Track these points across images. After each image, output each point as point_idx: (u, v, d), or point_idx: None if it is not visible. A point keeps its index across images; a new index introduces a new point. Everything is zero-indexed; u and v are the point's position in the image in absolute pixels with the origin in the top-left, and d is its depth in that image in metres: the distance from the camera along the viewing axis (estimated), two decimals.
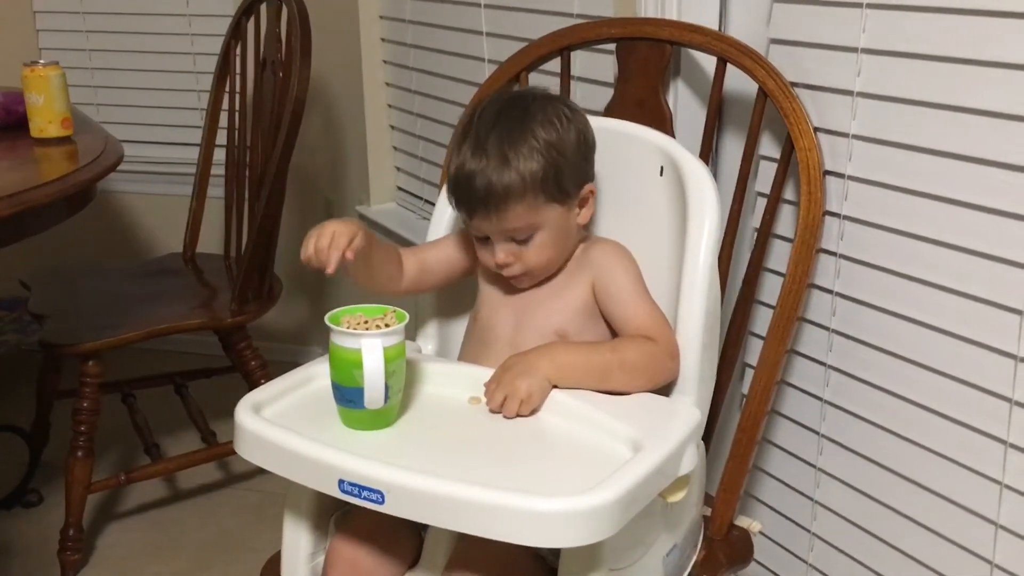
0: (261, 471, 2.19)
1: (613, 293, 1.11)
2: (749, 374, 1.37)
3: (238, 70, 2.09)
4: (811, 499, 1.32)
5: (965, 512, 1.12)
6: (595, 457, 0.97)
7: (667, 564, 1.10)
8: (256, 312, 1.92)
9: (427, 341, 1.30)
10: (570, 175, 1.09)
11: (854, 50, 1.14)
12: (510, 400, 1.02)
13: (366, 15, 2.14)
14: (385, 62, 2.17)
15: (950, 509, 1.13)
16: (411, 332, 1.13)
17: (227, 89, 2.13)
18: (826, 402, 1.27)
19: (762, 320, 1.32)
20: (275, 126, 1.85)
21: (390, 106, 2.20)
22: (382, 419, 1.02)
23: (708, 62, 1.31)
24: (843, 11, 1.14)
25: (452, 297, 1.29)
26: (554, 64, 1.39)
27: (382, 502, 0.91)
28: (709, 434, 1.22)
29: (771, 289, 1.30)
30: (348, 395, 1.00)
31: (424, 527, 1.08)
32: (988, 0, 1.00)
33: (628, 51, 1.31)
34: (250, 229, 1.97)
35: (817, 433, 1.30)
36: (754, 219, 1.32)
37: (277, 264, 1.99)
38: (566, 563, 0.95)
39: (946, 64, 1.05)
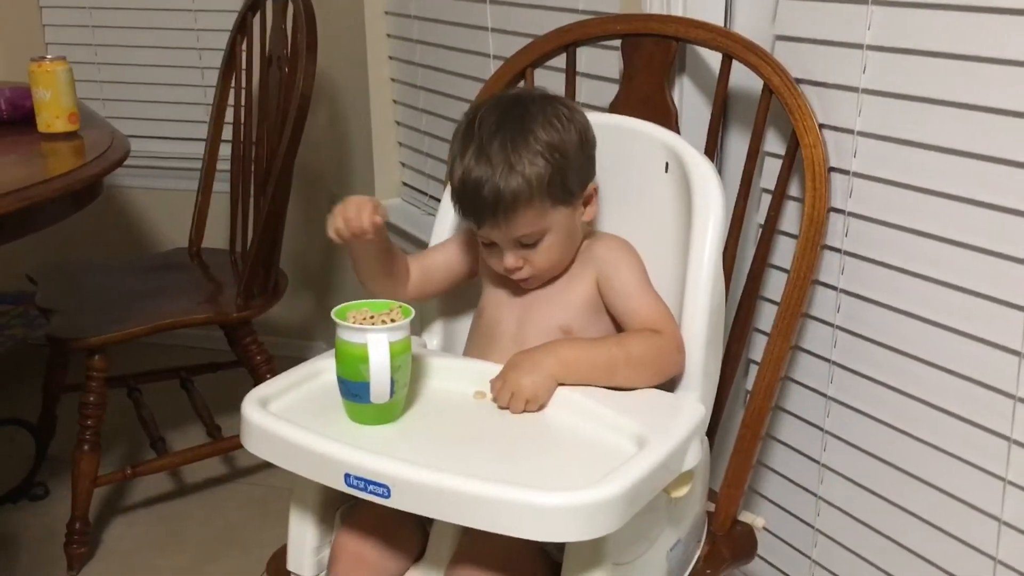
0: (266, 465, 2.20)
1: (617, 287, 1.12)
2: (753, 370, 1.37)
3: (244, 66, 2.10)
4: (815, 495, 1.33)
5: (969, 508, 1.12)
6: (600, 452, 0.98)
7: (671, 559, 1.10)
8: (262, 307, 1.92)
9: (432, 337, 1.30)
10: (574, 176, 1.09)
11: (859, 47, 1.14)
12: (516, 399, 1.03)
13: (371, 11, 2.14)
14: (390, 58, 2.17)
15: (954, 505, 1.14)
16: (416, 328, 1.14)
17: (233, 84, 2.13)
18: (830, 398, 1.28)
19: (766, 316, 1.32)
20: (281, 121, 1.85)
21: (395, 102, 2.20)
22: (388, 414, 1.03)
23: (713, 58, 1.31)
24: (848, 7, 1.14)
25: (457, 293, 1.29)
26: (559, 60, 1.39)
27: (388, 496, 0.92)
28: (713, 430, 1.23)
29: (775, 285, 1.30)
30: (354, 390, 1.01)
31: (429, 521, 1.08)
32: None
33: (633, 47, 1.31)
34: (256, 224, 1.97)
35: (821, 429, 1.30)
36: (759, 215, 1.33)
37: (282, 259, 1.99)
38: (571, 557, 0.96)
39: (951, 61, 1.05)
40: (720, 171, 1.29)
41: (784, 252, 1.28)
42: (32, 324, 2.49)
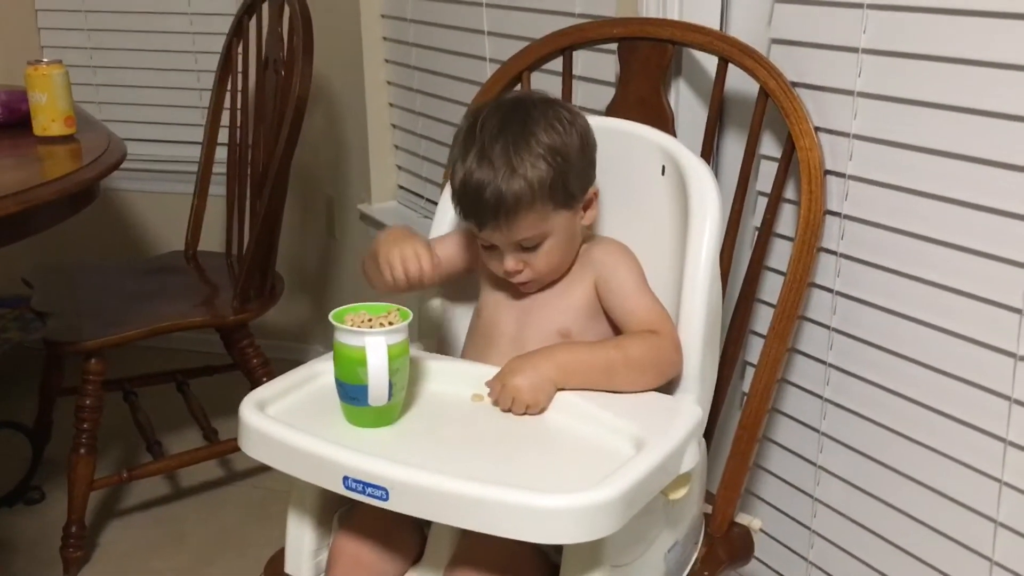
0: (263, 469, 2.20)
1: (615, 289, 1.12)
2: (749, 372, 1.38)
3: (240, 69, 2.10)
4: (811, 497, 1.33)
5: (965, 509, 1.12)
6: (598, 454, 0.98)
7: (668, 561, 1.10)
8: (258, 310, 1.92)
9: (429, 340, 1.30)
10: (575, 179, 1.09)
11: (855, 50, 1.14)
12: (516, 405, 1.03)
13: (368, 14, 2.15)
14: (387, 61, 2.18)
15: (950, 506, 1.14)
16: (413, 331, 1.14)
17: (229, 87, 2.13)
18: (826, 400, 1.28)
19: (762, 319, 1.32)
20: (277, 124, 1.85)
21: (391, 105, 2.20)
22: (386, 416, 1.03)
23: (709, 62, 1.31)
24: (844, 11, 1.15)
25: (454, 296, 1.30)
26: (556, 64, 1.39)
27: (386, 499, 0.92)
28: (710, 432, 1.23)
29: (772, 288, 1.30)
30: (352, 392, 1.01)
31: (427, 524, 1.08)
32: (988, 1, 1.00)
33: (630, 51, 1.31)
34: (252, 227, 1.98)
35: (817, 431, 1.30)
36: (755, 218, 1.33)
37: (278, 262, 1.99)
38: (569, 559, 0.96)
39: (946, 64, 1.06)
40: (716, 174, 1.29)
41: (780, 255, 1.29)
42: (28, 328, 2.48)
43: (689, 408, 1.07)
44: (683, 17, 1.32)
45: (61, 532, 1.81)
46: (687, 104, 1.38)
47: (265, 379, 1.92)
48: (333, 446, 0.97)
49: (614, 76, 1.44)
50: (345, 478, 0.94)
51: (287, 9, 1.88)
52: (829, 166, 1.20)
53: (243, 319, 1.90)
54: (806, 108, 1.18)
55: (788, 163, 1.22)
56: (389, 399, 1.00)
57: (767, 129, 1.27)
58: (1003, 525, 1.09)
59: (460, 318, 1.30)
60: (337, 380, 1.02)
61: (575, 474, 0.94)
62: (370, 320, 1.02)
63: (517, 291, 1.16)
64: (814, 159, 1.17)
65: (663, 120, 1.28)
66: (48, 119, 1.66)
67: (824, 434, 1.30)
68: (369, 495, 0.93)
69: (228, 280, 2.06)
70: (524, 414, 1.03)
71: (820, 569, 1.34)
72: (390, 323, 1.01)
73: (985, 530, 1.10)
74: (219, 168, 2.19)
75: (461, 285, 1.28)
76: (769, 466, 1.39)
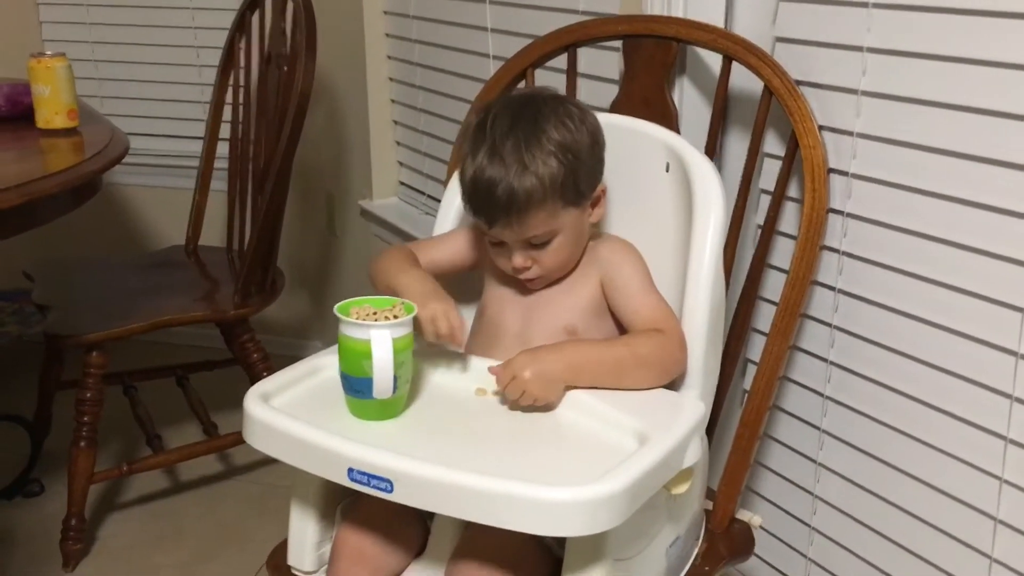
0: (262, 463, 2.21)
1: (620, 287, 1.13)
2: (750, 370, 1.38)
3: (242, 64, 2.10)
4: (811, 494, 1.34)
5: (965, 507, 1.13)
6: (601, 448, 0.98)
7: (670, 555, 1.11)
8: (259, 305, 1.92)
9: None
10: (585, 177, 1.10)
11: (859, 49, 1.15)
12: (524, 400, 1.03)
13: (370, 10, 2.15)
14: (389, 57, 2.18)
15: (950, 504, 1.15)
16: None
17: (231, 83, 2.13)
18: (827, 398, 1.29)
19: (764, 316, 1.33)
20: (279, 120, 1.85)
21: (394, 101, 2.20)
22: (390, 409, 1.03)
23: (714, 60, 1.32)
24: (849, 10, 1.16)
25: (457, 291, 1.30)
26: (559, 61, 1.40)
27: (391, 491, 0.93)
28: (711, 429, 1.23)
29: (774, 285, 1.31)
30: (357, 385, 1.01)
31: (430, 516, 1.09)
32: (992, 1, 1.01)
33: (634, 48, 1.32)
34: (253, 222, 1.98)
35: (818, 428, 1.31)
36: (758, 216, 1.34)
37: (279, 258, 1.99)
38: (572, 552, 0.96)
39: (951, 64, 1.06)
40: (719, 172, 1.30)
41: (782, 252, 1.29)
42: (27, 321, 2.48)
43: (692, 404, 1.08)
44: (687, 15, 1.33)
45: (60, 525, 1.81)
46: (691, 102, 1.38)
47: (265, 374, 1.93)
48: (338, 438, 0.97)
49: (617, 73, 1.45)
50: (350, 470, 0.95)
51: (290, 5, 1.88)
52: (832, 164, 1.21)
53: (244, 314, 1.90)
54: (810, 106, 1.18)
55: (792, 161, 1.22)
56: (393, 392, 1.00)
57: (771, 127, 1.27)
58: (1003, 523, 1.09)
59: (463, 314, 1.30)
60: (342, 373, 1.03)
61: (579, 468, 0.94)
62: (375, 313, 1.03)
63: (522, 288, 1.16)
64: (818, 157, 1.18)
65: (667, 118, 1.29)
66: (51, 112, 1.66)
67: (824, 431, 1.30)
68: (374, 487, 0.93)
69: (229, 275, 2.06)
70: (530, 408, 1.03)
71: (819, 566, 1.35)
72: (395, 316, 1.02)
73: (985, 527, 1.11)
74: (220, 163, 2.19)
75: (463, 281, 1.28)
76: (769, 463, 1.40)
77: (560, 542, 1.01)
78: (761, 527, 1.28)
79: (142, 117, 2.55)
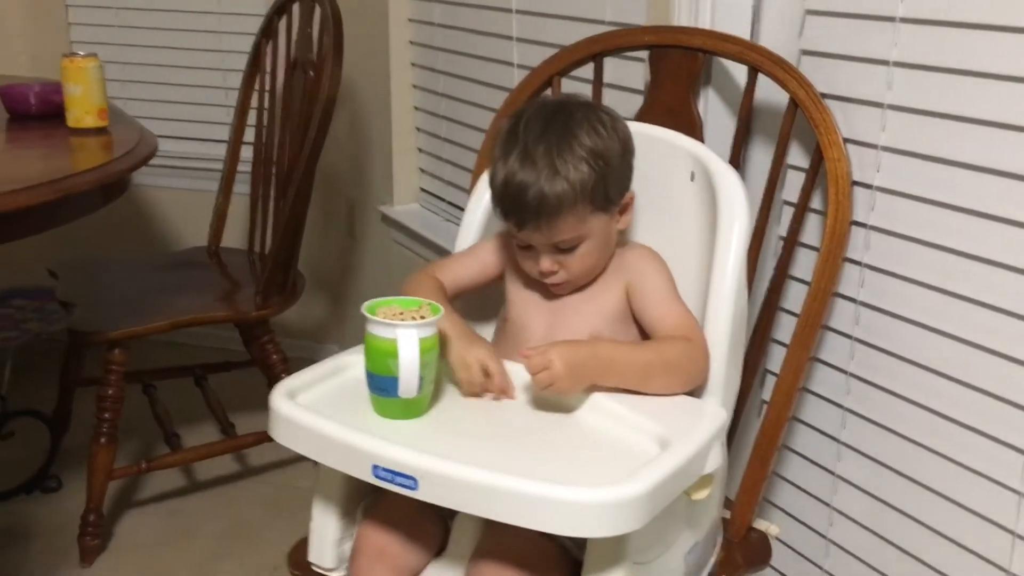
0: (277, 464, 2.23)
1: (647, 294, 1.13)
2: (769, 381, 1.39)
3: (268, 68, 2.12)
4: (828, 505, 1.34)
5: (983, 521, 1.13)
6: (623, 451, 0.99)
7: (688, 562, 1.11)
8: (280, 306, 1.94)
9: None
10: (615, 183, 1.11)
11: (886, 63, 1.16)
12: (542, 377, 1.01)
13: (395, 17, 2.17)
14: (413, 64, 2.20)
15: (968, 518, 1.15)
16: None
17: (256, 87, 2.16)
18: (847, 409, 1.29)
19: (784, 327, 1.33)
20: (304, 125, 1.87)
21: (416, 108, 2.22)
22: (414, 408, 1.04)
23: (739, 71, 1.33)
24: (876, 24, 1.16)
25: (479, 296, 1.31)
26: (585, 70, 1.41)
27: (415, 488, 0.94)
28: (729, 439, 1.24)
29: (795, 297, 1.31)
30: (382, 384, 1.02)
31: (451, 516, 1.10)
32: (1020, 17, 1.02)
33: (661, 59, 1.33)
34: (276, 225, 2.00)
35: (836, 440, 1.31)
36: (780, 227, 1.34)
37: (299, 260, 2.01)
38: (592, 554, 0.97)
39: (978, 79, 1.07)
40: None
41: (804, 264, 1.30)
42: (48, 319, 2.51)
43: (713, 410, 1.08)
44: (714, 26, 1.34)
45: (77, 521, 1.83)
46: (715, 113, 1.39)
47: (284, 375, 1.93)
48: (363, 435, 0.98)
49: (641, 83, 1.46)
50: (375, 467, 0.96)
51: (318, 10, 1.90)
52: (856, 177, 1.21)
53: (265, 315, 1.92)
54: (835, 119, 1.19)
55: (816, 173, 1.23)
56: (418, 391, 1.02)
57: (795, 139, 1.28)
58: (1021, 537, 1.09)
59: (485, 319, 1.31)
60: (367, 371, 1.04)
61: (602, 470, 0.95)
62: (402, 313, 1.04)
63: (548, 293, 1.17)
64: (842, 170, 1.18)
65: (692, 128, 1.30)
66: (82, 111, 1.68)
67: (843, 443, 1.30)
68: (398, 484, 0.94)
69: (249, 277, 2.08)
70: (547, 387, 1.02)
71: None
72: (422, 317, 1.03)
73: (1003, 542, 1.11)
74: (243, 166, 2.21)
75: (485, 291, 1.29)
76: (786, 474, 1.40)
77: (579, 544, 1.02)
78: (777, 538, 1.28)
79: (166, 119, 2.57)
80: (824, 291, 1.20)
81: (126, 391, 1.84)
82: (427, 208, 2.25)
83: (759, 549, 1.25)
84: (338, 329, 2.65)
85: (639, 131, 1.24)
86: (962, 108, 1.09)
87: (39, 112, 1.78)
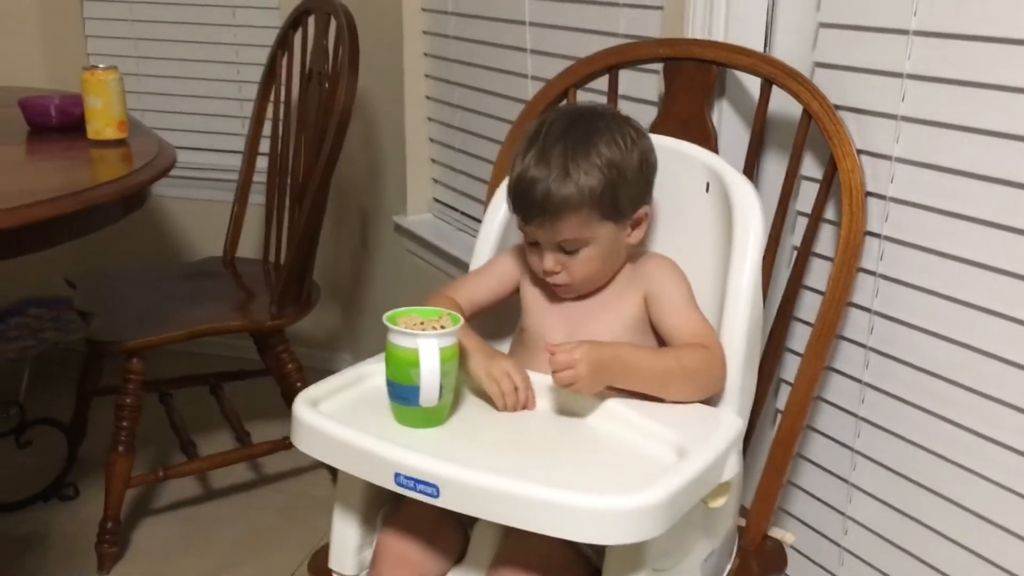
0: (292, 472, 2.24)
1: (665, 303, 1.15)
2: (783, 390, 1.40)
3: (283, 80, 2.14)
4: (843, 514, 1.35)
5: (997, 529, 1.14)
6: (642, 460, 1.00)
7: (705, 569, 1.12)
8: (295, 316, 1.96)
9: None
10: (627, 195, 1.13)
11: (899, 75, 1.17)
12: (565, 375, 1.02)
13: (409, 29, 2.19)
14: (427, 76, 2.22)
15: (982, 526, 1.15)
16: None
17: (272, 98, 2.18)
18: (861, 418, 1.30)
19: (798, 336, 1.35)
20: (319, 136, 1.89)
21: (430, 119, 2.24)
22: (435, 417, 1.06)
23: (753, 83, 1.34)
24: (889, 37, 1.18)
25: (494, 314, 1.32)
26: (600, 82, 1.43)
27: (437, 496, 0.95)
28: (744, 447, 1.24)
29: (809, 306, 1.32)
30: (403, 393, 1.04)
31: (470, 523, 1.11)
32: None
33: (675, 71, 1.34)
34: (291, 235, 2.01)
35: (851, 449, 1.32)
36: (794, 237, 1.36)
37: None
38: (612, 561, 0.98)
39: (990, 91, 1.08)
40: None
41: (818, 274, 1.31)
42: (65, 328, 2.52)
43: (730, 419, 1.10)
44: (728, 39, 1.35)
45: (95, 528, 1.84)
46: (729, 124, 1.41)
47: (299, 384, 1.96)
48: (386, 443, 0.99)
49: (655, 95, 1.48)
50: (397, 475, 0.97)
51: (334, 23, 1.92)
52: (870, 188, 1.22)
53: (280, 325, 1.94)
54: (849, 131, 1.21)
55: (830, 184, 1.24)
56: (439, 400, 1.03)
57: (809, 150, 1.29)
58: None
59: (501, 328, 1.33)
60: (388, 380, 1.05)
61: (621, 478, 0.96)
62: (422, 323, 1.05)
63: (563, 301, 1.18)
64: (856, 181, 1.20)
65: (706, 139, 1.31)
66: (103, 123, 1.71)
67: (857, 452, 1.31)
68: (420, 492, 0.96)
69: (264, 286, 2.10)
70: (566, 383, 1.03)
71: None
72: (442, 327, 1.05)
73: (1018, 550, 1.12)
74: (258, 177, 2.23)
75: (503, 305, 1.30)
76: (801, 482, 1.41)
77: (599, 551, 1.03)
78: (792, 546, 1.29)
79: (182, 130, 2.60)
80: (838, 301, 1.21)
81: (143, 400, 1.86)
82: (440, 218, 2.27)
83: (775, 557, 1.26)
84: (351, 338, 2.67)
85: (655, 143, 1.25)
86: (975, 120, 1.10)
87: (59, 124, 1.81)
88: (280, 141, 2.14)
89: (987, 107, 1.09)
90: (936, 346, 1.18)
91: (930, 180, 1.16)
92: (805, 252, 1.27)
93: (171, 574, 1.87)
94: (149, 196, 1.66)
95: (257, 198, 2.25)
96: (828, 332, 1.22)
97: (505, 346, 1.30)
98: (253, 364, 2.21)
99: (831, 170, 1.23)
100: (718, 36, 1.37)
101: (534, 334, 1.20)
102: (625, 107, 1.50)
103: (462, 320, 1.07)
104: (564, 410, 1.10)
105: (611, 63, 1.39)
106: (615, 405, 1.08)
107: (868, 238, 1.24)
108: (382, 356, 1.07)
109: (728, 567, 1.21)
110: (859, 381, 1.30)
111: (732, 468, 1.04)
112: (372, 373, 1.14)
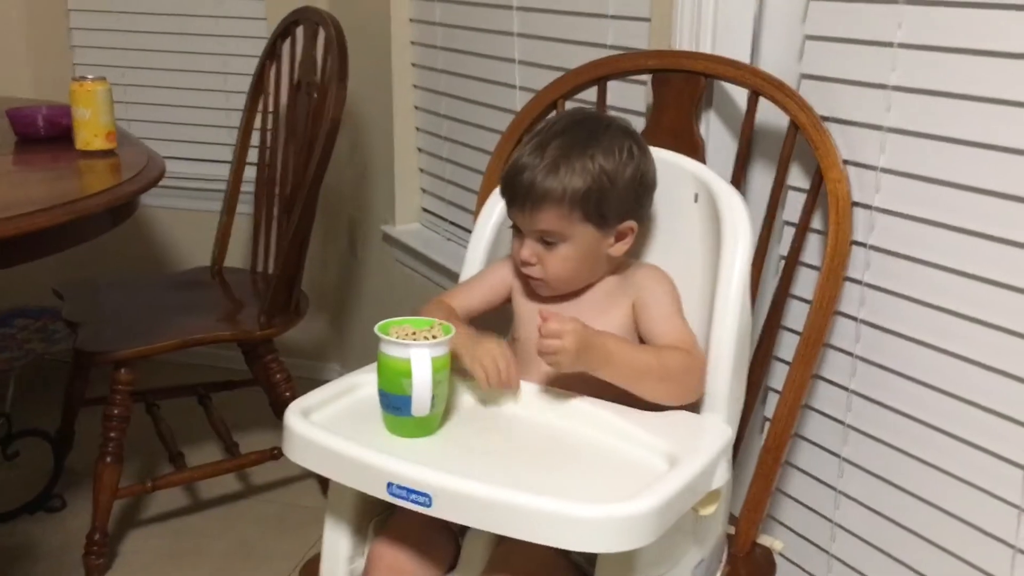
0: (281, 483, 2.24)
1: (651, 310, 1.16)
2: (771, 398, 1.41)
3: (271, 90, 2.15)
4: (830, 521, 1.36)
5: (984, 535, 1.15)
6: (633, 468, 1.01)
7: None
8: (284, 325, 1.96)
9: None
10: (613, 204, 1.13)
11: (884, 87, 1.19)
12: (549, 347, 1.03)
13: (397, 39, 2.20)
14: (415, 86, 2.22)
15: (969, 532, 1.17)
16: None
17: (260, 108, 2.18)
18: (848, 426, 1.31)
19: (786, 345, 1.36)
20: (308, 146, 1.90)
21: (418, 129, 2.25)
22: (427, 427, 1.06)
23: (740, 94, 1.36)
24: (874, 49, 1.19)
25: (490, 314, 1.33)
26: (588, 93, 1.44)
27: (430, 505, 0.95)
28: (733, 455, 1.26)
29: (796, 315, 1.34)
30: (395, 403, 1.04)
31: (461, 533, 1.11)
32: (1017, 43, 1.05)
33: (663, 82, 1.36)
34: (279, 245, 2.02)
35: (838, 456, 1.33)
36: (781, 247, 1.37)
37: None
38: (603, 569, 0.99)
39: (974, 103, 1.10)
40: None
41: (805, 283, 1.32)
42: (51, 339, 2.51)
43: (719, 427, 1.11)
44: (715, 51, 1.37)
45: (82, 540, 1.83)
46: (717, 135, 1.42)
47: (288, 395, 1.96)
48: (378, 453, 1.00)
49: (643, 106, 1.49)
50: (389, 484, 0.97)
51: (322, 33, 1.93)
52: (856, 198, 1.24)
53: (270, 334, 1.94)
54: (835, 142, 1.22)
55: (816, 194, 1.26)
56: (431, 410, 1.03)
57: (795, 161, 1.31)
58: (1022, 551, 1.11)
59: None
60: (380, 390, 1.06)
61: (612, 486, 0.97)
62: (414, 333, 1.06)
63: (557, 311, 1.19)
64: (842, 191, 1.21)
65: (694, 150, 1.32)
66: (91, 134, 1.71)
67: (844, 459, 1.33)
68: (413, 501, 0.96)
69: (253, 296, 2.10)
70: (548, 353, 1.03)
71: None
72: (434, 336, 1.05)
73: (1004, 555, 1.13)
74: (246, 187, 2.24)
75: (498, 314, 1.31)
76: (789, 490, 1.42)
77: (590, 559, 1.03)
78: (781, 553, 1.30)
79: (169, 140, 2.59)
80: (825, 309, 1.23)
81: (131, 410, 1.86)
82: (429, 228, 2.28)
83: (763, 564, 1.26)
84: (339, 348, 2.67)
85: None
86: (959, 131, 1.12)
87: (47, 135, 1.81)
88: (268, 151, 2.15)
89: (971, 118, 1.10)
90: (921, 354, 1.20)
91: (915, 190, 1.18)
92: (792, 261, 1.29)
93: None
94: (138, 206, 1.66)
95: (245, 208, 2.25)
96: (815, 340, 1.23)
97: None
98: (241, 374, 2.21)
99: (817, 180, 1.24)
100: (705, 48, 1.38)
101: (526, 343, 1.21)
102: None
103: (454, 330, 1.07)
104: (556, 419, 1.10)
105: (600, 74, 1.41)
106: (606, 413, 1.09)
107: (854, 247, 1.25)
108: (373, 366, 1.08)
109: (718, 574, 1.21)
110: (846, 389, 1.31)
111: (722, 476, 1.05)
112: (363, 383, 1.14)
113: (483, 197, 1.40)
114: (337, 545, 1.13)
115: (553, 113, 1.44)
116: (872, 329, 1.26)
